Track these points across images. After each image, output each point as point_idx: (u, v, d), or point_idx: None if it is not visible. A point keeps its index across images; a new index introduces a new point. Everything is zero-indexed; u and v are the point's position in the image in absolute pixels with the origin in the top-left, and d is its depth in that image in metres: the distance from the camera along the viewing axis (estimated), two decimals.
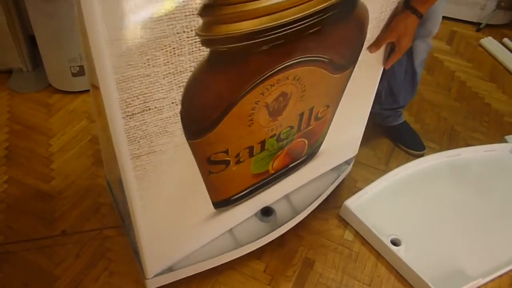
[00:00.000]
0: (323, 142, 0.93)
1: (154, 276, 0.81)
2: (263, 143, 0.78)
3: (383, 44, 0.80)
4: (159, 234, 0.76)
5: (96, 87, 0.68)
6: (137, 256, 0.81)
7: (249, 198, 0.87)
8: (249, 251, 0.89)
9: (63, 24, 1.16)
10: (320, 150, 0.94)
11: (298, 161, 0.91)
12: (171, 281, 0.84)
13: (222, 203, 0.82)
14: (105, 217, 0.99)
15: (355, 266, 0.95)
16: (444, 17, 1.03)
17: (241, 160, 0.77)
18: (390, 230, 0.99)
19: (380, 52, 0.83)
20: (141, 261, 0.78)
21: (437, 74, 1.48)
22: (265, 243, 0.91)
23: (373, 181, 1.07)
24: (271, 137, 0.78)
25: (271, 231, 0.90)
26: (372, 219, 0.99)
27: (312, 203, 0.97)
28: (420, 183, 1.11)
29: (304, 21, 0.63)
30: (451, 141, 1.25)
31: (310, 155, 0.93)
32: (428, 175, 1.13)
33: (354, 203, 1.02)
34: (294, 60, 0.68)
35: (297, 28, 0.63)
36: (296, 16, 0.61)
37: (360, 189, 1.06)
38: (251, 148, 0.77)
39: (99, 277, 0.89)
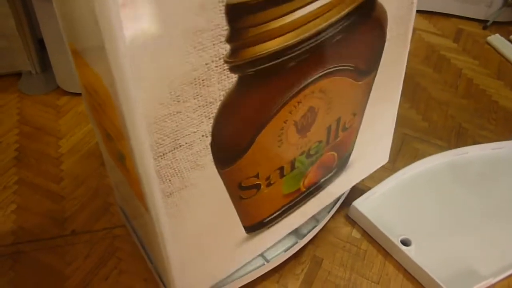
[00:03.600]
0: (352, 153, 0.91)
1: None
2: (293, 162, 0.76)
3: None
4: (190, 264, 0.75)
5: (96, 108, 0.67)
6: (157, 277, 0.81)
7: (282, 219, 0.85)
8: (274, 266, 0.89)
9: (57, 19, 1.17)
10: (349, 161, 0.92)
11: (329, 176, 0.89)
12: None
13: (254, 227, 0.81)
14: (114, 216, 1.00)
15: (363, 264, 0.95)
16: (450, 15, 1.03)
17: (272, 182, 0.75)
18: (399, 230, 0.98)
19: (402, 50, 0.82)
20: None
21: (444, 72, 1.48)
22: (289, 256, 0.90)
23: (379, 179, 1.07)
24: (300, 154, 0.76)
25: (294, 244, 0.90)
26: (381, 220, 0.99)
27: (331, 209, 0.96)
28: (429, 182, 1.11)
29: (328, 31, 0.62)
30: (459, 139, 1.25)
31: (340, 167, 0.91)
32: (436, 174, 1.13)
33: (363, 204, 1.02)
34: (320, 73, 0.67)
35: (321, 39, 0.62)
36: (319, 27, 0.60)
37: (367, 187, 1.06)
38: (281, 169, 0.75)
39: (109, 276, 0.90)
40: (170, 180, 0.59)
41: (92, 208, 1.02)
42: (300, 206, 0.88)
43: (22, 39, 1.28)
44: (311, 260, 0.95)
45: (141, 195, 0.64)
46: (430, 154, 1.16)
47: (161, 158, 0.56)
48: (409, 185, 1.10)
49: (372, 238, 1.00)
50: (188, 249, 0.72)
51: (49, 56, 1.27)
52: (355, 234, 1.00)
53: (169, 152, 0.56)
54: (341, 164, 0.92)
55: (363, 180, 1.11)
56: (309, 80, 0.66)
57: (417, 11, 1.64)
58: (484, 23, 1.70)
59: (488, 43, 1.63)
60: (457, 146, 1.20)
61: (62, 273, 0.90)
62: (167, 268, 0.73)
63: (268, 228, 0.84)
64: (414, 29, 1.61)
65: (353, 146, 0.91)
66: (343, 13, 0.63)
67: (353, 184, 1.01)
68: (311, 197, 0.89)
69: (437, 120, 1.31)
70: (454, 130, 1.28)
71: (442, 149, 1.19)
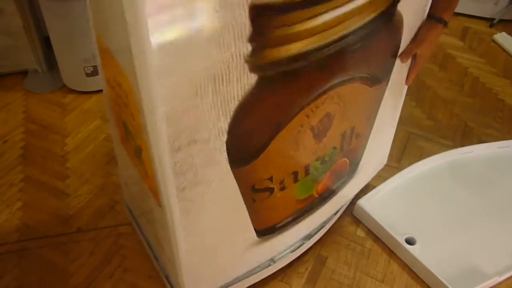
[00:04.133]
0: (362, 158, 0.91)
1: None
2: (307, 167, 0.76)
3: (411, 54, 0.79)
4: (200, 263, 0.75)
5: (118, 102, 0.68)
6: (163, 276, 0.82)
7: (293, 226, 0.85)
8: (282, 266, 0.89)
9: (77, 25, 1.18)
10: (358, 167, 0.93)
11: (341, 182, 0.90)
12: None
13: (266, 231, 0.81)
14: (120, 214, 1.00)
15: (367, 263, 0.95)
16: (456, 13, 1.03)
17: (285, 186, 0.75)
18: (404, 228, 0.98)
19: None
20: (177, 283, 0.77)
21: (450, 70, 1.47)
22: (296, 256, 0.90)
23: (385, 178, 1.07)
24: (315, 160, 0.76)
25: (301, 245, 0.89)
26: (386, 218, 0.99)
27: (338, 210, 0.96)
28: (433, 181, 1.11)
29: (349, 37, 0.62)
30: (464, 137, 1.24)
31: (351, 173, 0.91)
32: (441, 173, 1.12)
33: (368, 202, 1.02)
34: (340, 79, 0.67)
35: (343, 45, 0.62)
36: (341, 33, 0.60)
37: (372, 186, 1.06)
38: (295, 174, 0.75)
39: (114, 273, 0.90)
40: (184, 174, 0.60)
41: (97, 205, 1.02)
42: (312, 213, 0.87)
43: (28, 37, 1.29)
44: (315, 258, 0.95)
45: (156, 190, 0.64)
46: (435, 153, 1.16)
47: (177, 152, 0.56)
48: (414, 184, 1.10)
49: (377, 237, 0.99)
50: (198, 247, 0.72)
51: (55, 55, 1.28)
52: (360, 233, 1.00)
53: (184, 146, 0.56)
54: (352, 170, 0.92)
55: None
56: (329, 86, 0.66)
57: None
58: (490, 21, 1.69)
59: (495, 41, 1.62)
60: (462, 145, 1.20)
61: (66, 270, 0.91)
62: (176, 266, 0.73)
63: (280, 233, 0.84)
64: None
65: (363, 152, 0.91)
66: (366, 20, 0.62)
67: (360, 188, 1.01)
68: (323, 204, 0.89)
69: (442, 118, 1.30)
70: (460, 129, 1.27)
71: (447, 147, 1.19)
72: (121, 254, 0.93)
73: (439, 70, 1.46)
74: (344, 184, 0.91)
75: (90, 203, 1.03)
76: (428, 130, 1.26)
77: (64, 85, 1.33)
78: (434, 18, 0.75)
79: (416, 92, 1.37)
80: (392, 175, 1.08)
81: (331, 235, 0.98)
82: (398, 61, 0.79)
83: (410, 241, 0.97)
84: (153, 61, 0.47)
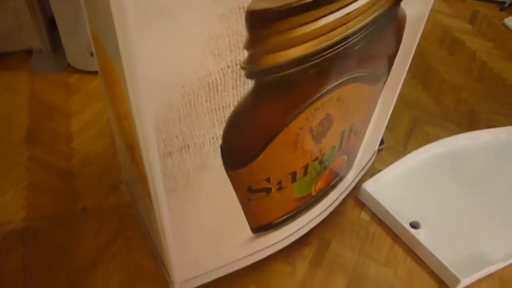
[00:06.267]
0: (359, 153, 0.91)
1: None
2: (306, 167, 0.75)
3: None
4: (190, 257, 0.75)
5: (111, 92, 0.66)
6: (159, 259, 0.81)
7: (291, 222, 0.84)
8: (278, 249, 0.89)
9: (81, 5, 1.16)
10: (355, 161, 0.92)
11: (338, 178, 0.89)
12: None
13: (261, 228, 0.80)
14: (124, 194, 1.00)
15: (371, 247, 0.95)
16: None
17: (283, 186, 0.74)
18: (408, 213, 0.98)
19: (408, 53, 0.80)
20: (168, 270, 0.77)
21: (458, 54, 1.45)
22: (294, 239, 0.90)
23: (390, 162, 1.06)
24: (314, 160, 0.75)
25: (302, 227, 0.88)
26: (391, 202, 0.98)
27: (340, 195, 0.96)
28: (440, 166, 1.10)
29: (349, 40, 0.59)
30: (472, 123, 1.23)
31: (348, 168, 0.91)
32: (447, 158, 1.12)
33: (372, 186, 1.01)
34: (339, 80, 0.65)
35: (341, 48, 0.59)
36: (340, 36, 0.58)
37: (378, 170, 1.05)
38: (293, 174, 0.74)
39: (118, 253, 0.91)
40: (175, 178, 0.58)
41: (102, 186, 1.03)
42: (309, 209, 0.87)
43: (33, 17, 1.28)
44: (319, 241, 0.95)
45: (146, 183, 0.63)
46: (442, 138, 1.14)
47: (168, 157, 0.55)
48: (420, 168, 1.09)
49: (381, 221, 0.99)
50: (189, 242, 0.71)
51: (60, 34, 1.27)
52: (364, 216, 1.00)
53: (176, 151, 0.55)
54: (349, 165, 0.91)
55: (373, 162, 1.10)
56: (328, 88, 0.64)
57: None
58: (501, 5, 1.66)
59: (505, 25, 1.59)
60: (469, 130, 1.18)
61: (71, 249, 0.91)
62: (166, 258, 0.73)
63: (276, 229, 0.83)
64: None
65: (359, 147, 0.90)
66: (367, 20, 0.60)
67: (353, 179, 0.99)
68: (321, 200, 0.88)
69: (450, 103, 1.29)
70: (467, 114, 1.26)
71: (454, 133, 1.17)
72: (126, 235, 0.94)
73: (447, 54, 1.44)
74: (341, 179, 0.90)
75: (95, 183, 1.03)
76: (435, 115, 1.25)
77: (69, 65, 1.32)
78: None
79: (424, 76, 1.36)
80: (397, 159, 1.08)
81: (335, 218, 0.98)
82: (398, 57, 0.76)
83: (414, 225, 0.96)
84: (142, 70, 0.45)
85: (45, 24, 1.30)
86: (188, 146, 0.55)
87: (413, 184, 1.05)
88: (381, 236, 0.97)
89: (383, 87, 0.80)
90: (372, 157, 1.05)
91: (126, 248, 0.92)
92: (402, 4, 0.66)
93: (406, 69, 0.86)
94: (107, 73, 0.64)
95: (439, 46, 1.47)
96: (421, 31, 0.79)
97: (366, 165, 1.02)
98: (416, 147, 1.11)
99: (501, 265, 0.91)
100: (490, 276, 0.92)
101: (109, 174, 1.05)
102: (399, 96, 0.92)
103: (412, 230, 0.95)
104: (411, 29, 0.74)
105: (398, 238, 0.97)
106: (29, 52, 1.35)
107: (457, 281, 0.87)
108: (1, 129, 1.14)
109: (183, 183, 0.60)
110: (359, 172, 1.00)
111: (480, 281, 0.91)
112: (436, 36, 1.51)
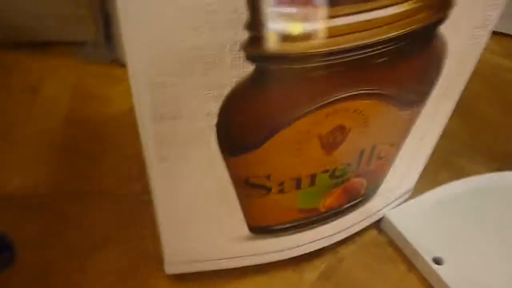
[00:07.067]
0: (383, 183, 0.84)
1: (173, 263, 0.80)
2: (313, 177, 0.70)
3: None
4: (182, 233, 0.73)
5: None
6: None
7: (294, 233, 0.80)
8: (285, 258, 0.86)
9: None
10: (378, 191, 0.86)
11: (354, 202, 0.83)
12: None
13: (259, 229, 0.77)
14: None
15: (385, 269, 0.91)
16: (508, 35, 0.98)
17: (285, 190, 0.70)
18: (432, 247, 0.93)
19: (456, 88, 0.73)
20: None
21: (503, 94, 1.41)
22: (303, 252, 0.87)
23: (418, 191, 1.02)
24: (323, 172, 0.70)
25: (311, 242, 0.85)
26: (414, 233, 0.93)
27: (361, 221, 0.91)
28: (473, 203, 1.04)
29: (371, 49, 0.53)
30: (509, 162, 1.18)
31: (368, 196, 0.85)
32: (482, 195, 1.05)
33: (396, 215, 0.96)
34: (356, 91, 0.59)
35: (362, 55, 0.54)
36: (361, 42, 0.52)
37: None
38: (298, 180, 0.69)
39: (129, 237, 0.91)
40: (168, 146, 0.56)
41: (126, 173, 1.04)
42: (316, 226, 0.81)
43: (92, 10, 1.35)
44: (332, 256, 0.92)
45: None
46: (475, 174, 1.10)
47: (160, 122, 0.53)
48: (451, 203, 1.04)
49: (398, 247, 0.95)
50: (180, 221, 0.70)
51: (113, 28, 1.33)
52: (382, 238, 0.97)
53: (169, 118, 0.53)
54: (370, 193, 0.85)
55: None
56: (341, 96, 0.58)
57: None
58: None
59: None
60: (508, 169, 1.14)
61: (85, 227, 0.93)
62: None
63: (277, 236, 0.79)
64: None
65: (384, 177, 0.83)
66: (393, 33, 0.53)
67: (374, 212, 0.93)
68: (333, 219, 0.83)
69: (488, 140, 1.24)
70: (503, 153, 1.21)
71: (489, 169, 1.13)
72: (140, 221, 0.94)
73: (491, 92, 1.41)
74: (358, 206, 0.85)
75: (119, 169, 1.05)
76: (472, 149, 1.21)
77: (118, 59, 1.38)
78: None
79: (462, 110, 1.31)
80: (427, 189, 1.03)
81: (351, 235, 0.96)
82: (441, 90, 0.69)
83: (437, 261, 0.92)
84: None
85: (101, 16, 1.36)
86: (181, 116, 0.53)
87: (440, 219, 1.00)
88: (397, 261, 0.93)
89: (416, 116, 0.73)
90: (406, 193, 0.98)
91: (137, 234, 0.92)
92: (443, 30, 0.58)
93: (451, 109, 0.79)
94: None
95: (484, 84, 1.43)
96: (470, 69, 0.71)
97: (398, 199, 0.98)
98: (447, 178, 1.07)
99: None
100: None
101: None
102: None
103: (435, 266, 0.91)
104: (458, 63, 0.66)
105: (414, 268, 0.93)
106: (82, 43, 1.42)
107: None
108: (44, 109, 1.20)
109: (176, 152, 0.58)
110: (387, 205, 0.95)
111: None
112: (482, 73, 1.47)
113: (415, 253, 0.95)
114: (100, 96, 1.26)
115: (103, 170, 1.06)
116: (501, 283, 0.90)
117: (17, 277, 0.86)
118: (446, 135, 1.22)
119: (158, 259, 0.88)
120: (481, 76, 1.47)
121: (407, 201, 1.01)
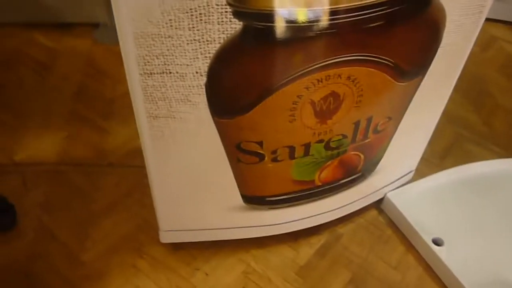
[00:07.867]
0: (382, 159, 0.84)
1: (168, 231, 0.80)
2: (307, 146, 0.70)
3: None
4: (175, 202, 0.74)
5: None
6: None
7: (289, 206, 0.80)
8: (282, 232, 0.87)
9: None
10: (378, 167, 0.86)
11: (351, 178, 0.83)
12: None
13: (253, 199, 0.77)
14: None
15: (383, 248, 0.91)
16: None
17: (278, 158, 0.70)
18: (432, 229, 0.92)
19: (457, 62, 0.73)
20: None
21: None
22: (301, 227, 0.88)
23: (422, 172, 1.02)
24: (317, 142, 0.70)
25: (308, 217, 0.85)
26: (415, 215, 0.93)
27: (360, 199, 0.92)
28: (476, 188, 1.03)
29: (364, 12, 0.54)
30: None
31: (366, 172, 0.84)
32: (487, 181, 1.04)
33: (397, 197, 0.96)
34: (348, 56, 0.59)
35: (355, 18, 0.54)
36: (354, 3, 0.52)
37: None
38: (291, 148, 0.69)
39: (131, 206, 0.94)
40: (157, 103, 0.57)
41: (132, 147, 1.06)
42: (313, 201, 0.82)
43: None
44: (329, 233, 0.92)
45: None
46: (483, 159, 1.08)
47: (148, 77, 0.54)
48: (453, 187, 1.03)
49: (398, 228, 0.95)
50: (173, 186, 0.69)
51: None
52: (382, 218, 0.96)
53: (157, 74, 0.54)
54: (368, 168, 0.85)
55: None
56: (333, 60, 0.58)
57: (502, 22, 1.55)
58: None
59: None
60: None
61: (90, 196, 0.96)
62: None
63: (272, 208, 0.79)
64: (496, 38, 1.52)
65: (383, 152, 0.83)
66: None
67: (374, 191, 0.94)
68: (327, 195, 0.83)
69: (499, 126, 1.22)
70: None
71: (498, 155, 1.11)
72: (142, 192, 0.96)
73: (506, 81, 1.38)
74: (356, 182, 0.85)
75: (126, 143, 1.07)
76: (481, 135, 1.19)
77: None
78: None
79: (475, 98, 1.30)
80: (431, 171, 1.02)
81: (350, 214, 0.95)
82: (443, 62, 0.70)
83: (437, 242, 0.91)
84: None
85: None
86: (169, 71, 0.54)
87: (443, 202, 0.99)
88: (396, 241, 0.93)
89: (414, 89, 0.73)
90: (408, 174, 0.99)
91: (139, 204, 0.94)
92: None
93: (453, 83, 0.79)
94: None
95: (499, 73, 1.40)
96: (471, 42, 0.72)
97: (398, 179, 0.98)
98: (454, 163, 1.06)
99: None
100: None
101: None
102: (443, 112, 0.87)
103: (434, 247, 0.90)
104: (458, 35, 0.67)
105: (413, 247, 0.92)
106: (95, 25, 1.45)
107: None
108: (55, 85, 1.23)
109: (165, 112, 0.59)
110: (388, 185, 0.95)
111: None
112: (498, 63, 1.44)
113: (415, 233, 0.93)
114: (110, 75, 1.27)
115: (109, 143, 1.08)
116: (499, 266, 0.89)
117: (18, 241, 0.89)
118: (459, 122, 1.21)
119: (157, 227, 0.90)
120: (496, 65, 1.44)
121: (409, 183, 1.02)
